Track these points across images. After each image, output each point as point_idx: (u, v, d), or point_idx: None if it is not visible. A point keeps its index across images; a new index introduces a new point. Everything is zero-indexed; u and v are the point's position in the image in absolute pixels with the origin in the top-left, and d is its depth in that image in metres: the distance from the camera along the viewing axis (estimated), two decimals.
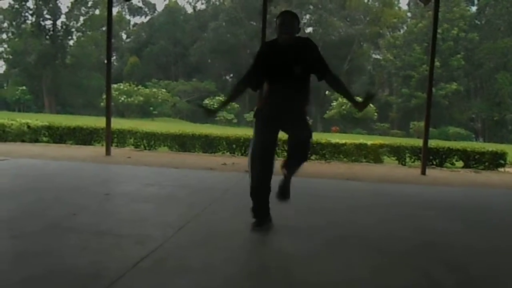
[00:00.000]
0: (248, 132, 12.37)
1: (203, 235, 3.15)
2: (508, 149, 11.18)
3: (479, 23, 42.85)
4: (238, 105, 39.28)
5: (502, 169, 10.23)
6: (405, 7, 48.86)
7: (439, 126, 35.23)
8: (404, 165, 10.42)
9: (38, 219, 3.31)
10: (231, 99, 3.73)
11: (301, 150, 3.24)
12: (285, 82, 3.27)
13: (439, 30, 7.47)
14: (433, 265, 2.78)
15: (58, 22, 45.58)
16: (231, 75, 50.56)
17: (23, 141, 11.01)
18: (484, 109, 39.36)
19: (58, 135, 11.42)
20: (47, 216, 3.44)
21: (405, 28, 45.82)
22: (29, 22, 44.63)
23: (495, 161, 10.30)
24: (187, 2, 55.85)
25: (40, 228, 3.08)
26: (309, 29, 46.82)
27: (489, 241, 3.52)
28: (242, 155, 10.53)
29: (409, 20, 46.13)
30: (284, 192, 3.38)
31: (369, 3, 48.39)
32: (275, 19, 3.30)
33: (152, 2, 54.56)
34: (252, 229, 3.30)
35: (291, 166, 3.30)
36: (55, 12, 45.01)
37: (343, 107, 36.35)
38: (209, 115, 3.67)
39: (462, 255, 3.03)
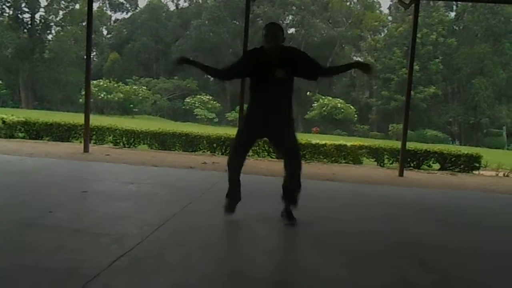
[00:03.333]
0: (229, 131, 12.36)
1: (181, 234, 3.13)
2: (483, 153, 11.46)
3: (457, 28, 43.82)
4: (219, 105, 39.18)
5: (477, 172, 10.49)
6: (386, 11, 49.61)
7: (417, 128, 35.87)
8: (383, 166, 10.57)
9: (11, 217, 3.23)
10: (207, 70, 3.88)
11: (295, 159, 3.62)
12: (268, 87, 3.53)
13: (418, 35, 7.66)
14: (410, 265, 2.83)
15: (37, 16, 44.58)
16: None
17: None
18: (460, 113, 40.27)
19: (34, 131, 11.15)
20: (21, 213, 3.36)
21: (386, 31, 46.48)
22: (6, 15, 43.45)
23: (470, 164, 10.54)
24: None
25: (13, 225, 3.01)
26: (291, 30, 46.99)
27: (465, 242, 3.60)
28: (223, 154, 10.49)
29: (390, 23, 46.82)
30: (290, 217, 3.65)
31: (351, 6, 48.89)
32: (262, 31, 3.59)
33: None
34: (224, 211, 3.63)
35: (290, 190, 3.64)
36: (34, 6, 43.96)
37: (324, 108, 36.66)
38: (181, 61, 3.59)
39: (438, 255, 3.09)
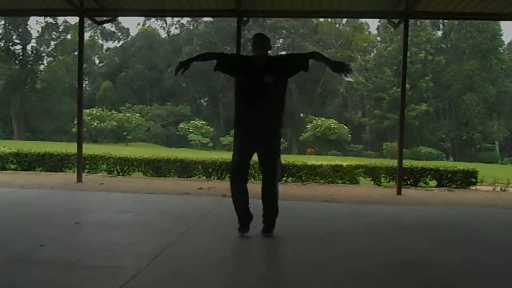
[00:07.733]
0: (224, 155, 12.27)
1: (178, 264, 3.02)
2: (477, 168, 11.44)
3: (445, 46, 44.61)
4: (213, 129, 39.22)
5: (473, 187, 10.44)
6: (374, 32, 50.43)
7: (411, 146, 36.00)
8: (380, 185, 10.49)
9: (1, 252, 3.11)
10: (200, 58, 4.21)
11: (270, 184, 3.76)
12: (256, 94, 3.68)
13: (407, 54, 7.77)
14: (414, 283, 2.74)
15: (28, 47, 44.84)
16: (206, 98, 50.58)
17: None
18: (453, 129, 40.58)
19: (26, 162, 10.99)
20: (11, 248, 3.24)
21: (375, 51, 47.18)
22: None
23: (466, 179, 10.49)
24: (161, 26, 55.85)
25: (3, 261, 2.89)
26: (282, 53, 47.57)
27: (469, 259, 3.52)
28: (218, 179, 10.38)
29: (378, 44, 47.58)
30: (270, 230, 3.83)
31: (340, 28, 49.73)
32: (251, 40, 3.92)
33: (126, 26, 54.42)
34: (239, 234, 3.75)
35: (269, 217, 3.79)
36: (25, 37, 44.28)
37: (318, 129, 36.81)
38: (179, 70, 3.86)
39: (442, 273, 3.01)
